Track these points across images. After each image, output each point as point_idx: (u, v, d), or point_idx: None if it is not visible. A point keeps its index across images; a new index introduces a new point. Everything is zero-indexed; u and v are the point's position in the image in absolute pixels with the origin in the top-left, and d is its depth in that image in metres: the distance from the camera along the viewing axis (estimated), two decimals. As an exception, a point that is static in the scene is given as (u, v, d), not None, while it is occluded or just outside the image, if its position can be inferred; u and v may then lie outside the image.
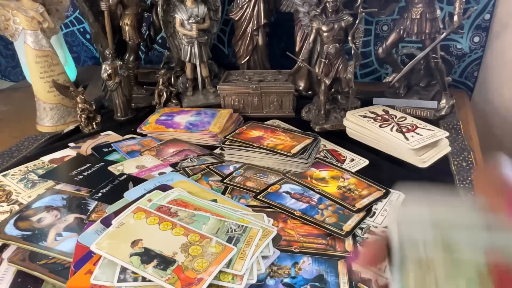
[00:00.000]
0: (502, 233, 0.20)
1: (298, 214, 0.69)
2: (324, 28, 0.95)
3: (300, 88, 1.22)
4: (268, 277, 0.57)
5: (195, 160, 0.88)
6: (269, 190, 0.76)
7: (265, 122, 1.00)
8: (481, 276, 0.20)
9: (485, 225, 0.21)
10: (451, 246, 0.21)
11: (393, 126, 0.92)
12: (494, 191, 0.20)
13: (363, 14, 0.93)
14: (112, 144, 0.94)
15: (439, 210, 0.23)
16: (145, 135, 1.00)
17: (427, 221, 0.22)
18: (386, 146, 0.90)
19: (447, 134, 0.89)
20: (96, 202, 0.72)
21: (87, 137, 1.00)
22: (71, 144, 0.97)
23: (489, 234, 0.20)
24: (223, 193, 0.76)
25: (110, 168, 0.83)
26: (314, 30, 0.97)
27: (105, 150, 0.92)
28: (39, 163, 0.88)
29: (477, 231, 0.21)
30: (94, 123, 1.06)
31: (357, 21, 0.93)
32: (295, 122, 1.04)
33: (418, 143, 0.84)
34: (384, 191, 0.75)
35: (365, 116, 0.96)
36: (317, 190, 0.75)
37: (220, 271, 0.54)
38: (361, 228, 0.66)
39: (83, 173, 0.81)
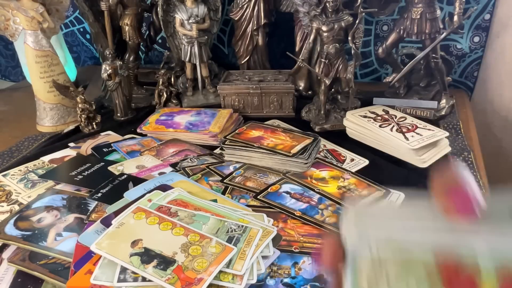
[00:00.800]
0: (451, 234, 0.21)
1: (298, 214, 0.69)
2: (324, 28, 0.95)
3: (300, 88, 1.22)
4: (268, 277, 0.57)
5: (195, 160, 0.88)
6: (269, 190, 0.76)
7: (265, 122, 1.00)
8: (430, 276, 0.21)
9: (435, 225, 0.22)
10: (402, 246, 0.22)
11: (393, 126, 0.92)
12: (445, 193, 0.21)
13: (363, 14, 0.93)
14: (112, 144, 0.94)
15: (392, 210, 0.24)
16: (145, 135, 1.00)
17: (379, 219, 0.23)
18: (386, 146, 0.90)
19: (447, 134, 0.89)
20: (96, 202, 0.72)
21: (87, 137, 1.00)
22: (71, 144, 0.97)
23: (438, 235, 0.21)
24: (223, 193, 0.76)
25: (110, 168, 0.83)
26: (314, 30, 0.97)
27: (105, 150, 0.92)
28: (39, 163, 0.88)
29: (428, 231, 0.21)
30: (94, 123, 1.06)
31: (357, 21, 0.93)
32: (295, 122, 1.04)
33: (418, 143, 0.84)
34: (384, 191, 0.75)
35: (365, 116, 0.96)
36: (317, 190, 0.75)
37: (220, 271, 0.54)
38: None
39: (83, 173, 0.81)
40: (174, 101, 1.16)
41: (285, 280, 0.57)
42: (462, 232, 0.21)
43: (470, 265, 0.20)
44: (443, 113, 1.03)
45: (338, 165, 0.85)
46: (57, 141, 1.02)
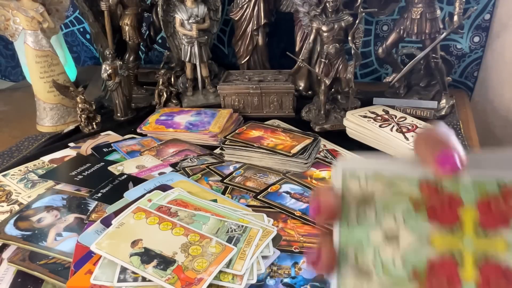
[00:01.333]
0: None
1: (298, 214, 0.69)
2: (324, 28, 0.95)
3: (300, 88, 1.22)
4: (268, 277, 0.57)
5: (195, 160, 0.88)
6: (269, 190, 0.76)
7: (265, 122, 1.00)
8: (416, 207, 0.22)
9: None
10: (389, 180, 0.23)
11: (393, 126, 0.92)
12: (428, 152, 0.22)
13: (363, 14, 0.93)
14: (112, 144, 0.94)
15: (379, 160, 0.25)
16: (145, 135, 1.00)
17: (368, 162, 0.24)
18: (386, 146, 0.90)
19: (447, 134, 0.89)
20: (96, 202, 0.72)
21: (87, 137, 1.00)
22: (71, 144, 0.97)
23: (424, 169, 0.22)
24: (223, 193, 0.76)
25: (110, 168, 0.83)
26: (314, 30, 0.97)
27: (105, 150, 0.92)
28: (39, 163, 0.88)
29: (414, 167, 0.23)
30: (94, 123, 1.06)
31: (357, 21, 0.93)
32: (295, 122, 1.04)
33: (418, 143, 0.84)
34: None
35: (365, 116, 0.96)
36: (317, 190, 0.75)
37: (220, 271, 0.54)
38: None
39: (83, 173, 0.81)
40: (174, 101, 1.16)
41: (285, 280, 0.57)
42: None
43: (453, 196, 0.22)
44: (443, 113, 1.03)
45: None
46: (57, 141, 1.02)
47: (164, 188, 0.72)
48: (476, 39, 1.18)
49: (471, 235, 0.22)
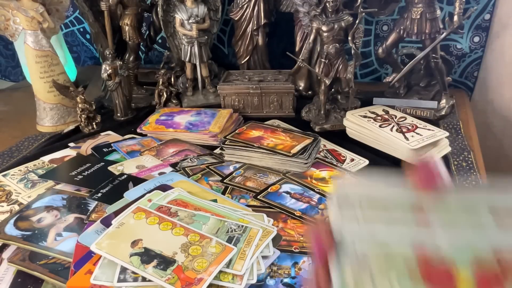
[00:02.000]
0: (428, 228, 0.22)
1: (298, 214, 0.69)
2: (324, 28, 0.95)
3: (300, 88, 1.22)
4: (268, 277, 0.57)
5: (195, 160, 0.88)
6: (269, 190, 0.76)
7: (265, 122, 1.00)
8: (410, 269, 0.22)
9: (413, 218, 0.23)
10: (382, 241, 0.23)
11: (393, 126, 0.92)
12: (417, 174, 0.23)
13: (363, 14, 0.93)
14: (112, 144, 0.94)
15: (373, 192, 0.25)
16: (145, 135, 1.00)
17: (359, 210, 0.24)
18: (386, 146, 0.90)
19: (447, 134, 0.89)
20: (96, 202, 0.72)
21: (87, 137, 1.00)
22: (71, 144, 0.97)
23: (416, 228, 0.22)
24: (223, 193, 0.76)
25: (110, 168, 0.83)
26: (314, 30, 0.97)
27: (105, 150, 0.92)
28: (39, 163, 0.88)
29: (406, 225, 0.23)
30: (94, 123, 1.06)
31: (357, 21, 0.93)
32: (295, 122, 1.04)
33: (418, 143, 0.84)
34: (384, 191, 0.75)
35: (365, 116, 0.96)
36: (317, 190, 0.75)
37: (220, 271, 0.54)
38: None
39: (83, 173, 0.81)
40: (174, 101, 1.16)
41: (285, 280, 0.57)
42: (438, 226, 0.22)
43: (447, 258, 0.21)
44: (443, 113, 1.03)
45: (338, 165, 0.85)
46: (57, 141, 1.02)
47: (164, 188, 0.72)
48: (476, 39, 1.18)
49: None
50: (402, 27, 0.99)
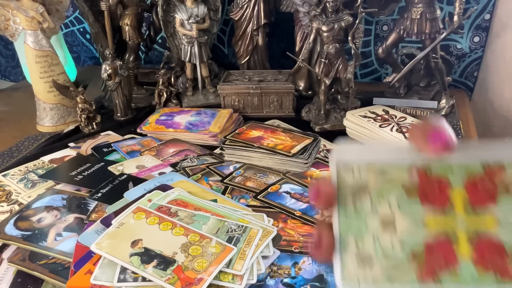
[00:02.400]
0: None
1: (298, 214, 0.69)
2: (324, 28, 0.95)
3: (300, 88, 1.22)
4: (268, 277, 0.57)
5: (195, 160, 0.88)
6: (269, 190, 0.76)
7: (265, 122, 1.00)
8: (407, 191, 0.24)
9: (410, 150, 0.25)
10: (381, 168, 0.25)
11: (393, 126, 0.92)
12: (422, 135, 0.24)
13: (363, 14, 0.93)
14: (112, 144, 0.94)
15: (372, 156, 0.26)
16: (145, 135, 1.00)
17: (361, 151, 0.26)
18: (386, 146, 0.90)
19: (447, 134, 0.89)
20: (96, 202, 0.72)
21: (87, 137, 1.00)
22: (71, 144, 0.97)
23: (414, 155, 0.24)
24: (223, 193, 0.76)
25: (110, 168, 0.83)
26: (314, 30, 0.97)
27: (105, 150, 0.92)
28: (39, 163, 0.88)
29: (404, 153, 0.25)
30: (94, 123, 1.06)
31: (357, 21, 0.93)
32: (295, 122, 1.04)
33: (418, 143, 0.84)
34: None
35: (365, 116, 0.96)
36: (317, 190, 0.75)
37: (220, 271, 0.54)
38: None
39: (83, 173, 0.81)
40: (174, 101, 1.16)
41: (285, 280, 0.57)
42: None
43: (442, 180, 0.24)
44: (443, 113, 1.03)
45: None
46: (57, 141, 1.02)
47: (164, 188, 0.72)
48: (476, 39, 1.18)
49: (462, 214, 0.23)
50: (402, 27, 0.99)
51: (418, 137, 0.24)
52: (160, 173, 0.82)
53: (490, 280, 0.22)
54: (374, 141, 0.92)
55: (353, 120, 0.95)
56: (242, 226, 0.62)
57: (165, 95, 1.15)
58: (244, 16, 1.17)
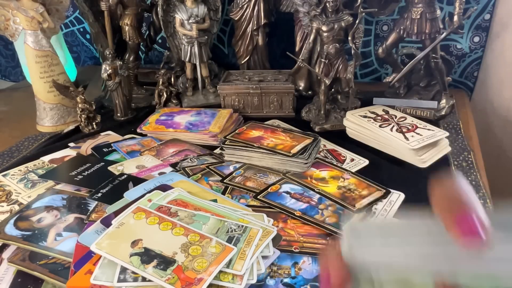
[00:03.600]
0: (450, 260, 0.21)
1: (298, 214, 0.69)
2: (324, 28, 0.95)
3: (300, 88, 1.22)
4: (268, 277, 0.57)
5: (195, 160, 0.88)
6: (269, 190, 0.76)
7: (265, 122, 1.00)
8: None
9: (434, 248, 0.21)
10: (402, 271, 0.22)
11: (393, 126, 0.92)
12: (447, 208, 0.20)
13: (363, 14, 0.93)
14: (112, 144, 0.94)
15: (390, 227, 0.23)
16: (145, 135, 1.00)
17: (378, 240, 0.23)
18: (386, 146, 0.90)
19: (447, 134, 0.89)
20: (96, 202, 0.72)
21: (87, 137, 1.00)
22: (71, 144, 0.97)
23: (438, 260, 0.21)
24: (223, 193, 0.76)
25: (110, 168, 0.83)
26: (314, 30, 0.97)
27: (105, 150, 0.92)
28: (39, 163, 0.88)
29: (427, 256, 0.21)
30: (94, 123, 1.06)
31: (357, 21, 0.93)
32: (295, 122, 1.04)
33: (418, 143, 0.84)
34: (384, 191, 0.75)
35: (365, 116, 0.96)
36: (317, 190, 0.75)
37: (220, 271, 0.54)
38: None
39: (83, 173, 0.81)
40: (174, 101, 1.16)
41: (285, 280, 0.57)
42: (459, 258, 0.21)
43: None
44: (443, 113, 1.03)
45: (338, 165, 0.85)
46: (57, 141, 1.02)
47: (164, 188, 0.72)
48: (476, 39, 1.18)
49: None
50: (402, 27, 0.99)
51: (445, 212, 0.20)
52: (160, 173, 0.82)
53: None
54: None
55: (353, 120, 0.95)
56: (242, 226, 0.62)
57: (165, 95, 1.15)
58: (244, 16, 1.17)
